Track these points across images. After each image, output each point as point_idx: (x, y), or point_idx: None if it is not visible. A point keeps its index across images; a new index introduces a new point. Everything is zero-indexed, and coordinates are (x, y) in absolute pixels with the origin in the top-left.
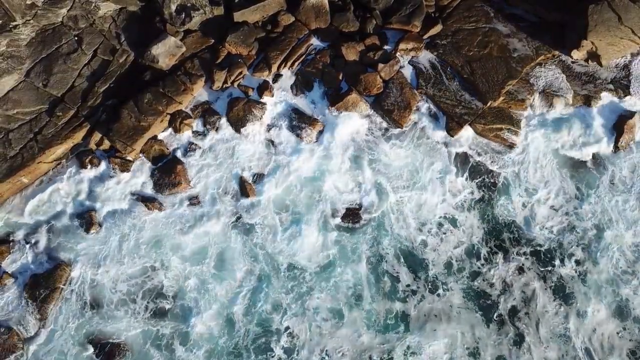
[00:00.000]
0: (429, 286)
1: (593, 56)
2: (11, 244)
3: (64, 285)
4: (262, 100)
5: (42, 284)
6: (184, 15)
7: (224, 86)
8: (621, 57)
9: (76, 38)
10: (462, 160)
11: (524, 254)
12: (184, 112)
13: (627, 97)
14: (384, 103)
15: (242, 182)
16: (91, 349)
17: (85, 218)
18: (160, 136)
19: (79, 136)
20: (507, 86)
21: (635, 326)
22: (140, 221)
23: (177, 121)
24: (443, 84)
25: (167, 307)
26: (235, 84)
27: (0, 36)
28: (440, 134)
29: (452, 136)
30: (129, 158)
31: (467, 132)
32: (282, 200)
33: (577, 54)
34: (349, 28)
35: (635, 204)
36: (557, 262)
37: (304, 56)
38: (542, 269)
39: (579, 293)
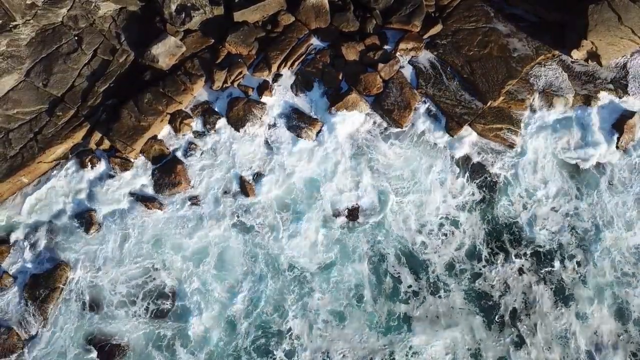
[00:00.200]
0: (430, 287)
1: (593, 56)
2: (11, 243)
3: (64, 285)
4: (262, 100)
5: (42, 284)
6: (184, 15)
7: (224, 86)
8: (621, 57)
9: (76, 38)
10: (462, 160)
11: (525, 255)
12: (184, 112)
13: (627, 97)
14: (384, 103)
15: (242, 181)
16: (91, 349)
17: (85, 218)
18: (160, 136)
19: (79, 136)
20: (507, 86)
21: (636, 328)
22: (140, 221)
23: (177, 121)
24: (443, 83)
25: (168, 308)
26: (235, 84)
27: (0, 36)
28: (440, 134)
29: (452, 136)
30: (129, 158)
31: (467, 132)
32: (282, 200)
33: (577, 54)
34: (349, 28)
35: (635, 205)
36: (557, 263)
37: (304, 56)
38: (543, 270)
39: (580, 294)
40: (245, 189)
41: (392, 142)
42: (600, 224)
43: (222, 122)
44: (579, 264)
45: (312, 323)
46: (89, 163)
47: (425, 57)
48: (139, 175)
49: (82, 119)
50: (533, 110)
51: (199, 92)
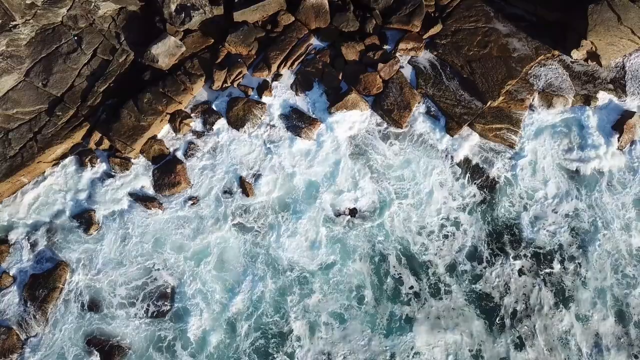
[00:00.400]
0: (431, 289)
1: (593, 56)
2: (11, 243)
3: (64, 285)
4: (261, 100)
5: (41, 284)
6: (183, 15)
7: (224, 86)
8: (621, 57)
9: (76, 38)
10: (462, 161)
11: (525, 256)
12: (184, 111)
13: (627, 97)
14: (383, 103)
15: (242, 181)
16: (91, 349)
17: (85, 218)
18: (160, 136)
19: (78, 136)
20: (507, 86)
21: (637, 330)
22: (140, 221)
23: (177, 121)
24: (443, 83)
25: (168, 308)
26: (235, 84)
27: (0, 36)
28: (440, 134)
29: (452, 136)
30: (128, 158)
31: (467, 133)
32: (282, 199)
33: (577, 54)
34: (349, 28)
35: (634, 206)
36: (557, 264)
37: (303, 56)
38: (543, 272)
39: (580, 296)
40: (245, 188)
41: (392, 142)
42: (600, 225)
43: (222, 122)
44: (579, 265)
45: (313, 325)
46: (88, 163)
47: (425, 57)
48: (139, 175)
49: (82, 119)
50: (533, 110)
51: (199, 92)
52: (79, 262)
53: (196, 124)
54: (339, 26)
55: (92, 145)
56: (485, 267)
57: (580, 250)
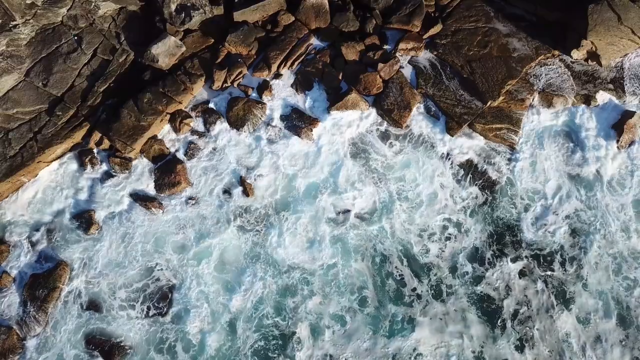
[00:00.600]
0: (433, 290)
1: (593, 56)
2: (11, 243)
3: (64, 285)
4: (262, 100)
5: (41, 284)
6: (183, 14)
7: (224, 86)
8: (620, 57)
9: (76, 38)
10: (463, 161)
11: (526, 257)
12: (184, 111)
13: (627, 97)
14: (383, 103)
15: (242, 181)
16: (91, 349)
17: (85, 218)
18: (160, 136)
19: (78, 136)
20: (507, 86)
21: (638, 333)
22: (140, 221)
23: (177, 121)
24: (443, 83)
25: (168, 309)
26: (235, 84)
27: (0, 35)
28: (440, 134)
29: (452, 136)
30: (128, 157)
31: (467, 133)
32: (283, 199)
33: (577, 54)
34: (349, 28)
35: (634, 207)
36: (558, 265)
37: (304, 56)
38: (544, 273)
39: (581, 297)
40: (245, 188)
41: (392, 142)
42: (601, 226)
43: (222, 122)
44: (580, 266)
45: (315, 326)
46: (88, 163)
47: (425, 57)
48: (139, 175)
49: (82, 119)
50: (533, 110)
51: (199, 91)
52: (79, 262)
53: (196, 123)
54: (339, 26)
55: (92, 145)
56: (486, 269)
57: (581, 251)
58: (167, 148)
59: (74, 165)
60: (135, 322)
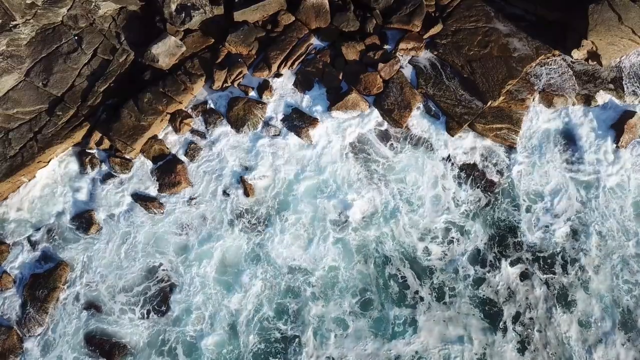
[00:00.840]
0: (435, 292)
1: (593, 56)
2: (11, 243)
3: (64, 285)
4: (262, 99)
5: (42, 284)
6: (184, 14)
7: (224, 86)
8: (621, 56)
9: (76, 37)
10: (463, 162)
11: (527, 260)
12: (184, 111)
13: (627, 97)
14: (384, 103)
15: (242, 181)
16: (91, 349)
17: (85, 218)
18: (160, 136)
19: (78, 136)
20: (507, 86)
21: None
22: (141, 221)
23: (177, 121)
24: (443, 83)
25: (169, 310)
26: (236, 84)
27: (0, 35)
28: (441, 134)
29: (452, 136)
30: (129, 157)
31: (467, 134)
32: (283, 200)
33: (578, 54)
34: (349, 28)
35: (635, 207)
36: (559, 268)
37: (304, 56)
38: (545, 276)
39: (582, 300)
40: (245, 188)
41: (393, 142)
42: (601, 227)
43: (222, 122)
44: (581, 269)
45: (316, 328)
46: (88, 163)
47: (425, 56)
48: (139, 175)
49: (82, 119)
50: (533, 110)
51: (199, 91)
52: (79, 262)
53: (196, 123)
54: (339, 26)
55: (92, 145)
56: (488, 271)
57: (582, 253)
58: (168, 148)
59: (74, 165)
60: (135, 323)
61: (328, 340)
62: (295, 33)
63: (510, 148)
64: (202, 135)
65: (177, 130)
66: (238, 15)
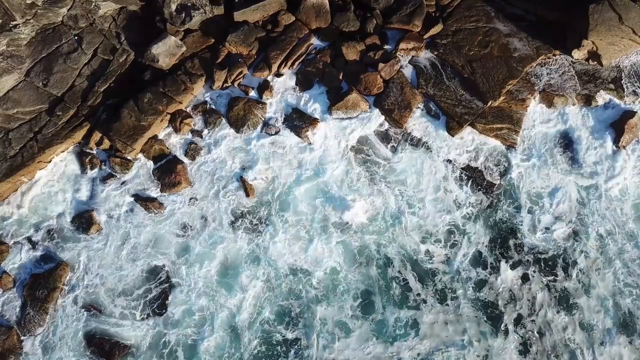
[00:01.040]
0: (437, 295)
1: (594, 56)
2: (11, 243)
3: (64, 285)
4: (262, 99)
5: (42, 284)
6: (184, 14)
7: (224, 86)
8: (621, 56)
9: (76, 37)
10: (463, 163)
11: (528, 262)
12: (184, 111)
13: (628, 97)
14: (384, 103)
15: (242, 181)
16: (91, 349)
17: (85, 218)
18: (161, 136)
19: (79, 136)
20: (508, 86)
21: None
22: (141, 221)
23: (177, 121)
24: (443, 83)
25: (169, 312)
26: (236, 84)
27: (0, 36)
28: (441, 134)
29: (453, 136)
30: (129, 157)
31: (468, 134)
32: (284, 200)
33: (578, 54)
34: (350, 28)
35: (635, 208)
36: (560, 271)
37: (304, 56)
38: (546, 278)
39: (583, 303)
40: (245, 189)
41: (393, 143)
42: (602, 229)
43: (222, 122)
44: (581, 271)
45: (318, 331)
46: (89, 163)
47: (425, 57)
48: (139, 175)
49: (82, 119)
50: (534, 111)
51: (199, 91)
52: (79, 262)
53: (196, 123)
54: (339, 26)
55: (92, 145)
56: (489, 273)
57: (583, 255)
58: (168, 148)
59: (74, 166)
60: (135, 324)
61: (329, 342)
62: (296, 33)
63: (511, 148)
64: (202, 135)
65: (177, 130)
66: (238, 15)
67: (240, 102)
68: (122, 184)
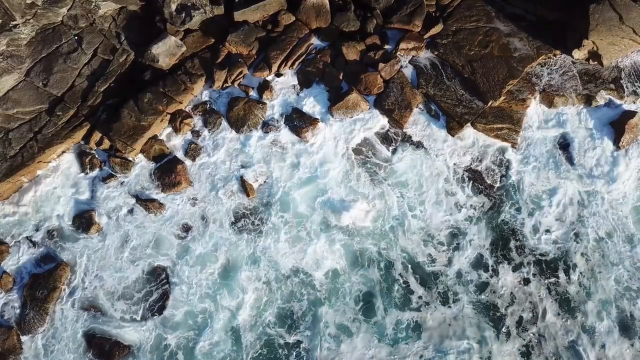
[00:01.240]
0: (439, 297)
1: (594, 56)
2: (11, 243)
3: (64, 285)
4: (262, 99)
5: (42, 284)
6: (184, 14)
7: (225, 86)
8: (622, 56)
9: (76, 37)
10: (464, 163)
11: (529, 263)
12: (184, 111)
13: (628, 97)
14: (384, 103)
15: (242, 181)
16: (91, 349)
17: (85, 218)
18: (161, 136)
19: (79, 136)
20: (508, 86)
21: None
22: (140, 221)
23: (177, 121)
24: (444, 83)
25: (168, 313)
26: (236, 84)
27: (0, 35)
28: (441, 134)
29: (453, 136)
30: (129, 158)
31: (468, 135)
32: (284, 201)
33: (578, 54)
34: (350, 28)
35: (636, 212)
36: (562, 273)
37: (304, 56)
38: (547, 280)
39: (584, 306)
40: (245, 189)
41: (393, 143)
42: (603, 230)
43: (222, 122)
44: (582, 274)
45: (319, 333)
46: (89, 163)
47: (426, 56)
48: (139, 175)
49: (82, 119)
50: (534, 111)
51: (199, 91)
52: (79, 262)
53: (197, 123)
54: (339, 26)
55: (92, 145)
56: (491, 276)
57: (584, 258)
58: (168, 148)
59: (74, 166)
60: (135, 325)
61: (331, 345)
62: (296, 33)
63: (511, 148)
64: (202, 136)
65: (177, 130)
66: (238, 15)
67: (240, 102)
68: (122, 184)
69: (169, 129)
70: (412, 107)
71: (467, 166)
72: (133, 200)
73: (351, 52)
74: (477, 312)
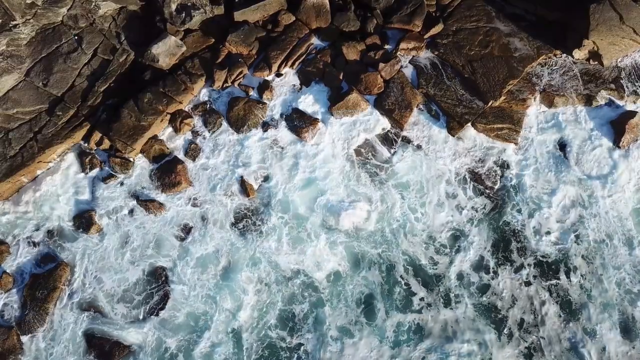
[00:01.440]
0: (441, 299)
1: (594, 56)
2: (11, 243)
3: (64, 285)
4: (262, 99)
5: (42, 284)
6: (184, 14)
7: (225, 86)
8: (622, 56)
9: (76, 37)
10: (464, 164)
11: (529, 265)
12: (184, 111)
13: (628, 97)
14: (384, 103)
15: (242, 182)
16: (91, 349)
17: (85, 218)
18: (161, 136)
19: (79, 136)
20: (508, 86)
21: None
22: (140, 221)
23: (177, 121)
24: (444, 83)
25: (169, 315)
26: (236, 84)
27: (0, 35)
28: (441, 134)
29: (453, 136)
30: (129, 158)
31: (469, 136)
32: (284, 201)
33: (579, 54)
34: (350, 27)
35: (636, 214)
36: (563, 275)
37: (304, 56)
38: (549, 282)
39: (585, 308)
40: (246, 189)
41: (393, 143)
42: (604, 232)
43: (222, 122)
44: (583, 276)
45: (321, 335)
46: (89, 163)
47: (426, 56)
48: (139, 175)
49: (82, 119)
50: (534, 110)
51: (200, 91)
52: (79, 262)
53: (197, 123)
54: (339, 26)
55: (92, 145)
56: (492, 277)
57: (585, 260)
58: (168, 148)
59: (74, 166)
60: (135, 326)
61: (332, 347)
62: (296, 33)
63: (512, 149)
64: (202, 136)
65: (177, 130)
66: (238, 15)
67: (240, 102)
68: (122, 184)
69: (169, 129)
70: (412, 107)
71: (467, 165)
72: (133, 201)
73: (351, 52)
74: (478, 314)
